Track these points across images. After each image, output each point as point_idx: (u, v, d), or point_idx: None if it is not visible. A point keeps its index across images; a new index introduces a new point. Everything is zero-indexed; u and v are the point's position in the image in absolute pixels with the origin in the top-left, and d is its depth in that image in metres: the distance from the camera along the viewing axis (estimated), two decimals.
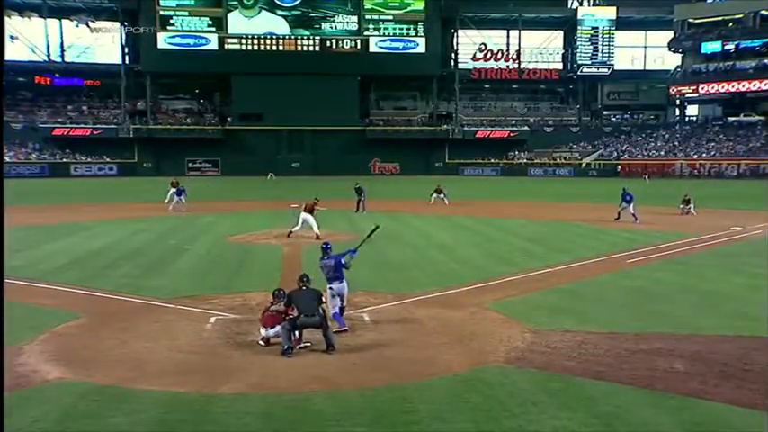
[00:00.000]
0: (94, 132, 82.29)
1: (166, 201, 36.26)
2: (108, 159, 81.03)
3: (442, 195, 40.16)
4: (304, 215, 24.37)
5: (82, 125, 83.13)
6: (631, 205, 29.69)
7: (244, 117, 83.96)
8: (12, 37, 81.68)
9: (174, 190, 35.96)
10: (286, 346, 10.53)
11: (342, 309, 12.23)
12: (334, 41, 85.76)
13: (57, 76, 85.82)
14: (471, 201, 43.80)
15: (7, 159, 76.29)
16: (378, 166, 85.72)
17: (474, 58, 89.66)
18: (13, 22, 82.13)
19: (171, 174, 76.13)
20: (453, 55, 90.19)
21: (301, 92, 79.60)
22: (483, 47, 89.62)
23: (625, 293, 15.20)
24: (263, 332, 11.15)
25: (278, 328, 10.95)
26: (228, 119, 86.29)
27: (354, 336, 11.60)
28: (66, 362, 9.97)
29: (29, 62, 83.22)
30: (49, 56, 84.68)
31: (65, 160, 79.24)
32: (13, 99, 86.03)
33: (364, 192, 35.71)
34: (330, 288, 12.12)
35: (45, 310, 13.25)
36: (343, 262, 12.21)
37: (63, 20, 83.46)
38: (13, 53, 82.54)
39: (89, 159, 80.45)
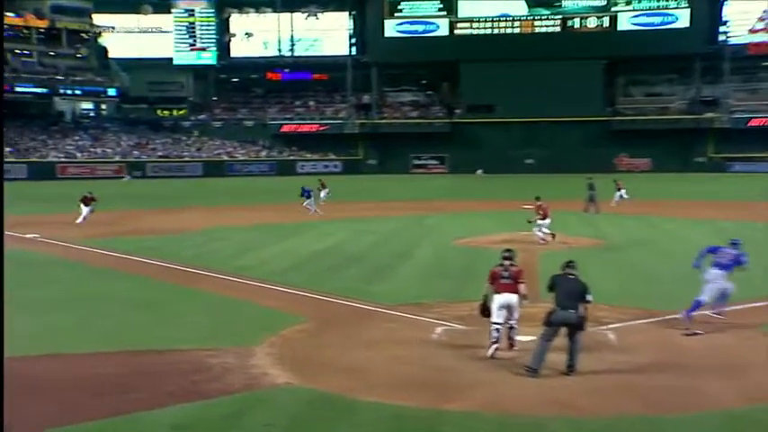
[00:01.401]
0: (321, 128, 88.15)
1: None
2: (333, 156, 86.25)
3: (621, 193, 37.45)
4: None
5: (309, 121, 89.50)
6: None
7: (473, 109, 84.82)
8: (247, 34, 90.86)
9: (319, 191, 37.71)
10: (535, 366, 10.14)
11: (723, 299, 13.03)
12: (577, 20, 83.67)
13: (286, 70, 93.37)
14: (745, 202, 40.34)
15: (240, 157, 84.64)
16: (625, 162, 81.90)
17: (752, 31, 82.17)
18: (250, 19, 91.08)
19: (395, 171, 79.76)
20: (723, 28, 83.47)
21: (537, 79, 78.53)
22: (765, 15, 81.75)
23: None
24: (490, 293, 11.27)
25: (501, 301, 11.05)
26: (456, 111, 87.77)
27: (597, 356, 11.18)
28: (292, 366, 10.76)
29: (261, 58, 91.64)
30: (279, 50, 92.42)
31: (291, 158, 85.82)
32: (246, 96, 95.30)
33: (595, 189, 34.93)
34: (712, 272, 12.98)
35: (272, 312, 14.45)
36: (744, 260, 13.20)
37: (294, 13, 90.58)
38: (249, 50, 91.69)
39: (315, 156, 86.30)
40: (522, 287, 11.33)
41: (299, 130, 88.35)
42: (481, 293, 11.67)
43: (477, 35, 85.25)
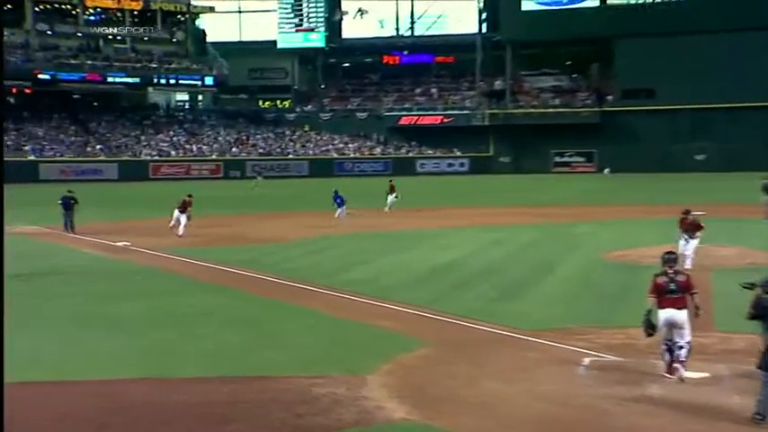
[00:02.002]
0: (445, 120, 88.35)
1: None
2: (458, 153, 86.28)
3: None
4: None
5: (431, 112, 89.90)
6: None
7: (628, 94, 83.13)
8: (360, 11, 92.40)
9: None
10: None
11: None
12: None
13: (405, 53, 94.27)
14: None
15: (351, 154, 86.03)
16: None
17: None
18: None
19: (532, 170, 78.96)
20: None
21: (710, 57, 76.20)
22: None
23: None
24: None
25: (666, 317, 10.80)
26: (608, 97, 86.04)
27: None
28: (409, 399, 10.83)
29: (376, 39, 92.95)
30: (397, 30, 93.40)
31: (410, 155, 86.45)
32: (358, 84, 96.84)
33: None
34: None
35: (387, 335, 14.61)
36: None
37: None
38: (362, 30, 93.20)
39: (437, 153, 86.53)
40: (695, 298, 11.20)
41: (419, 122, 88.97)
42: (644, 310, 11.53)
43: (635, 5, 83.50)
